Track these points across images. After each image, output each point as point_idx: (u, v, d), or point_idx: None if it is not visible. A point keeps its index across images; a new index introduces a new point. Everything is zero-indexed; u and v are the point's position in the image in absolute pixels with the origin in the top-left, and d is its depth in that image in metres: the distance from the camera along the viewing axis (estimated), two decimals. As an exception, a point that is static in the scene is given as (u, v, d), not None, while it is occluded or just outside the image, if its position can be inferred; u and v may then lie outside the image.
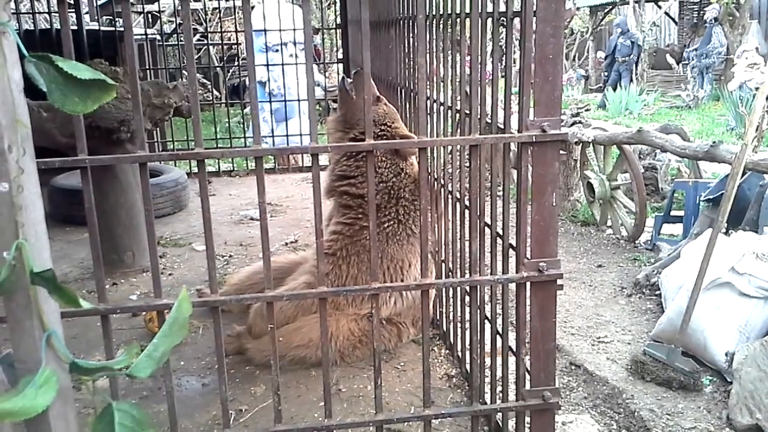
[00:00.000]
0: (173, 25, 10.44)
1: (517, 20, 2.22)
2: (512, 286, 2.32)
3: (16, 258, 0.80)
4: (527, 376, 2.29)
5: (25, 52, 0.80)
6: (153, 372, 0.94)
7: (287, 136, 7.92)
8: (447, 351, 3.41)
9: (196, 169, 2.33)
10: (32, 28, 6.98)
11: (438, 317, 3.58)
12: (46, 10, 6.69)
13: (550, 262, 2.15)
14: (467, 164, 2.61)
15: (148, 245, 1.95)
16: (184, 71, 8.48)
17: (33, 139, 0.88)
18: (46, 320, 0.85)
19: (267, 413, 2.86)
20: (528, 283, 2.20)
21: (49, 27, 6.82)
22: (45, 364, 0.84)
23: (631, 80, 16.74)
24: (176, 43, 9.35)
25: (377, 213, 3.33)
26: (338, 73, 8.12)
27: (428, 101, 3.21)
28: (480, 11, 2.31)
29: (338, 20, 7.70)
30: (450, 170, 3.11)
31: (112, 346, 1.91)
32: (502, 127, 2.36)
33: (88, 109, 0.83)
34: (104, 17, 9.02)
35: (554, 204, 2.12)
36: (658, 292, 4.40)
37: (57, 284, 0.82)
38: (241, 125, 9.25)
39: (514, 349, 2.38)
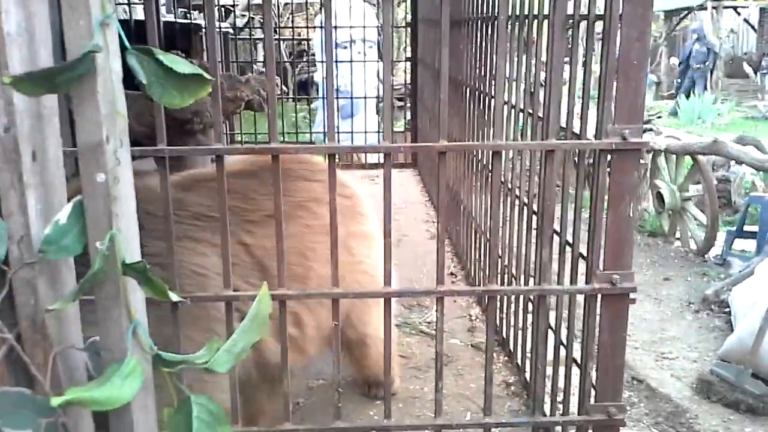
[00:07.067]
0: (245, 19, 10.59)
1: (598, 23, 2.16)
2: (579, 296, 2.27)
3: (109, 248, 0.81)
4: (592, 391, 2.23)
5: (127, 44, 0.81)
6: (232, 367, 0.94)
7: (352, 132, 7.96)
8: (506, 358, 3.36)
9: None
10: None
11: (498, 323, 3.53)
12: (126, 1, 6.88)
13: (624, 275, 2.09)
14: (534, 168, 2.55)
15: (221, 236, 1.97)
16: (254, 65, 8.60)
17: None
18: (133, 311, 0.86)
19: (323, 407, 2.86)
20: (599, 296, 2.14)
21: (127, 18, 7.00)
22: (131, 355, 0.84)
23: (705, 88, 16.20)
24: (248, 37, 9.48)
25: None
26: (405, 72, 8.11)
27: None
28: (561, 14, 2.26)
29: (408, 18, 7.69)
30: (518, 174, 3.06)
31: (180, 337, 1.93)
32: (576, 132, 2.30)
33: (185, 103, 0.84)
34: (179, 9, 9.23)
35: (631, 214, 2.05)
36: (727, 310, 4.25)
37: (147, 276, 0.83)
38: (307, 120, 9.33)
39: (579, 362, 2.32)
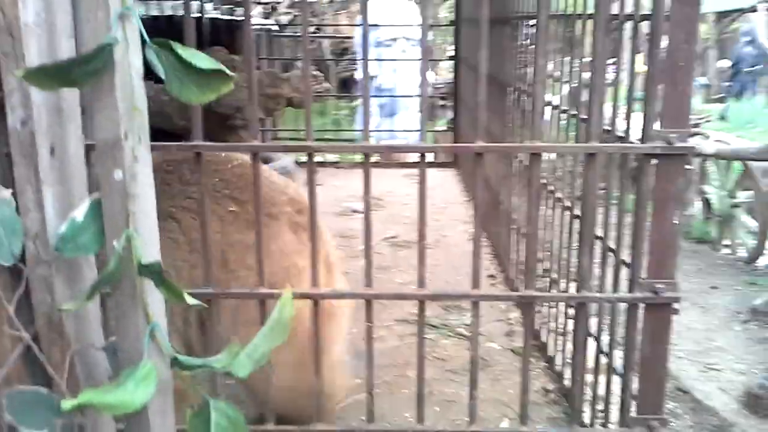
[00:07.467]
0: (290, 17, 10.63)
1: (644, 23, 2.08)
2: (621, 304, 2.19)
3: (125, 248, 0.79)
4: (633, 403, 2.16)
5: (146, 37, 0.78)
6: (251, 372, 0.91)
7: (392, 131, 7.92)
8: (545, 364, 3.28)
9: (304, 159, 2.28)
10: (157, 14, 7.25)
11: (538, 328, 3.46)
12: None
13: (668, 284, 2.01)
14: (576, 171, 2.48)
15: (256, 234, 1.95)
16: (297, 63, 8.62)
17: (152, 122, 0.86)
18: (150, 313, 0.84)
19: (357, 408, 2.83)
20: (641, 305, 2.06)
21: (172, 14, 7.07)
22: (147, 358, 0.82)
23: (756, 92, 15.72)
24: (292, 34, 9.49)
25: None
26: (449, 72, 8.05)
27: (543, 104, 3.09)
28: (605, 13, 2.18)
29: (451, 17, 7.63)
30: (560, 176, 2.99)
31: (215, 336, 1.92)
32: (621, 135, 2.23)
33: (205, 99, 0.81)
34: (224, 6, 9.29)
35: (676, 221, 1.97)
36: (777, 321, 4.10)
37: (164, 277, 0.81)
38: (349, 118, 9.33)
39: (620, 372, 2.24)
